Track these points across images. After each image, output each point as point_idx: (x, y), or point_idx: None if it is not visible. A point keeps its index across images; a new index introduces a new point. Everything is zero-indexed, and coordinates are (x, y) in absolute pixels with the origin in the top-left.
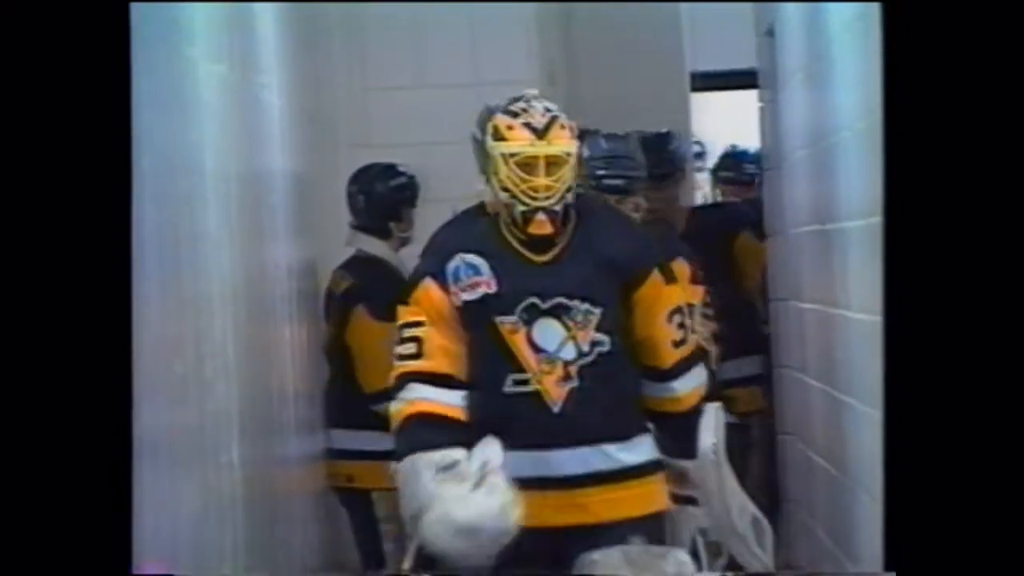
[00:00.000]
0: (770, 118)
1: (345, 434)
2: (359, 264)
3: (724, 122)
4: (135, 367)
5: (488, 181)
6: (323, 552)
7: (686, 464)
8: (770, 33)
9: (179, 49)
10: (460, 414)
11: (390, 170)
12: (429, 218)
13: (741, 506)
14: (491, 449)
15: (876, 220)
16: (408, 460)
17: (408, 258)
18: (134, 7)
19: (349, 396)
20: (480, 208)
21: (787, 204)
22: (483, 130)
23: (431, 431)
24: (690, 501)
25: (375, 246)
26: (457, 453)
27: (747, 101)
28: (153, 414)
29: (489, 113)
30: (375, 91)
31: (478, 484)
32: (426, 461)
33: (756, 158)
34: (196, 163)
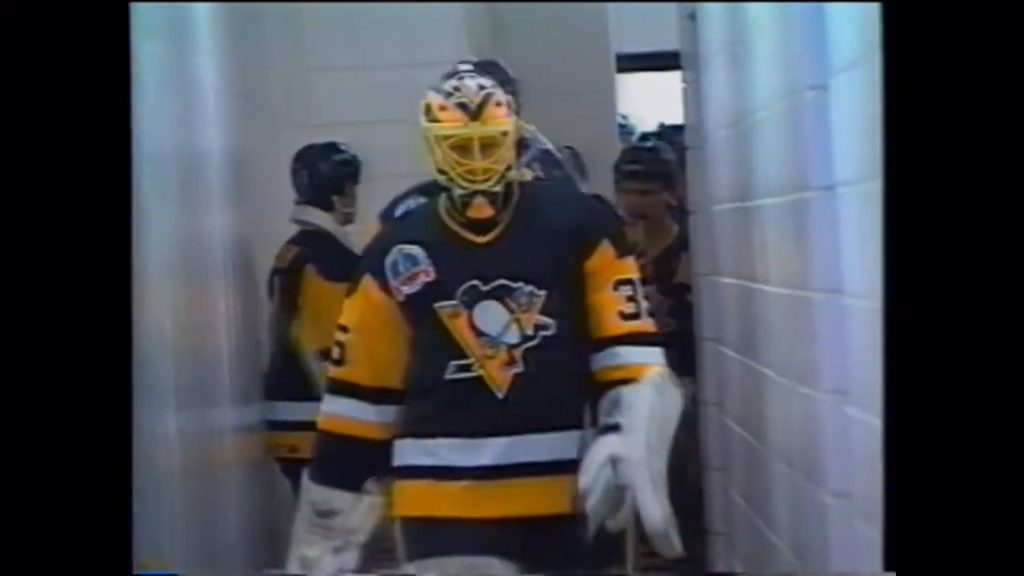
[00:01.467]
0: (693, 99)
1: (288, 405)
2: (306, 235)
3: (649, 102)
4: None
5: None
6: (259, 520)
7: (621, 390)
8: (692, 16)
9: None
10: (373, 430)
11: (332, 147)
12: (369, 195)
13: (659, 462)
14: (370, 513)
15: (794, 197)
16: (303, 481)
17: (353, 234)
18: None
19: (292, 368)
20: (433, 184)
21: (709, 182)
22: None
23: (334, 458)
24: (612, 430)
25: (321, 218)
26: (340, 500)
27: (670, 82)
28: None
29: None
30: (313, 72)
31: (339, 549)
32: (310, 497)
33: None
34: (132, 139)
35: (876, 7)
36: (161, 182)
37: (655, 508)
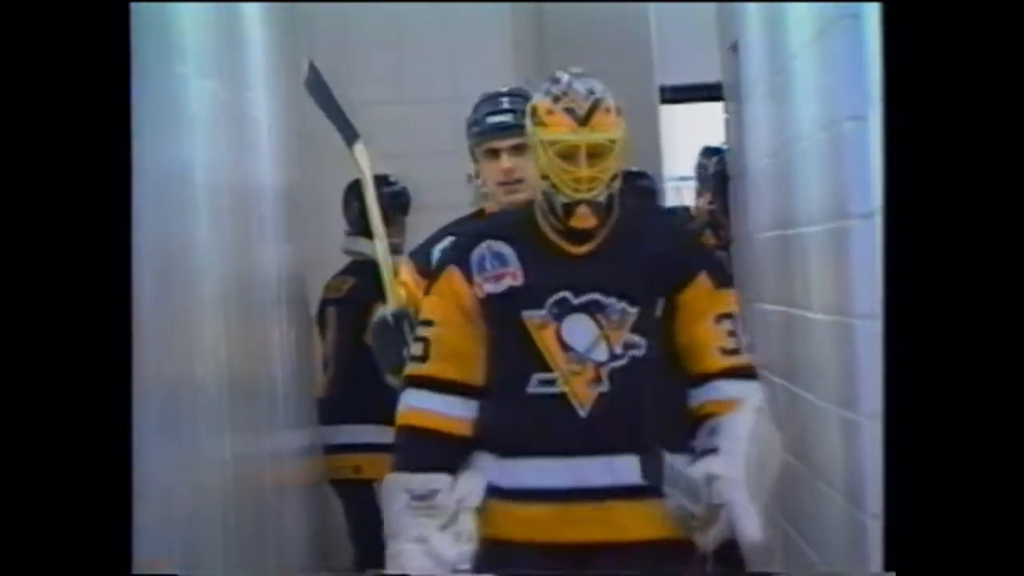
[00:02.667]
0: (735, 129)
1: (351, 428)
2: (357, 266)
3: (691, 133)
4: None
5: (477, 163)
6: (311, 544)
7: (719, 418)
8: (734, 48)
9: (171, 66)
10: (459, 427)
11: (383, 179)
12: (416, 226)
13: (758, 483)
14: (471, 483)
15: (834, 224)
16: (391, 477)
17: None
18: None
19: (357, 392)
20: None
21: (751, 210)
22: (523, 113)
23: (421, 447)
24: (712, 452)
25: (371, 248)
26: (438, 481)
27: (713, 113)
28: (147, 414)
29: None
30: (359, 105)
31: (448, 523)
32: (404, 484)
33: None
34: (188, 175)
35: None
36: (217, 216)
37: (752, 525)
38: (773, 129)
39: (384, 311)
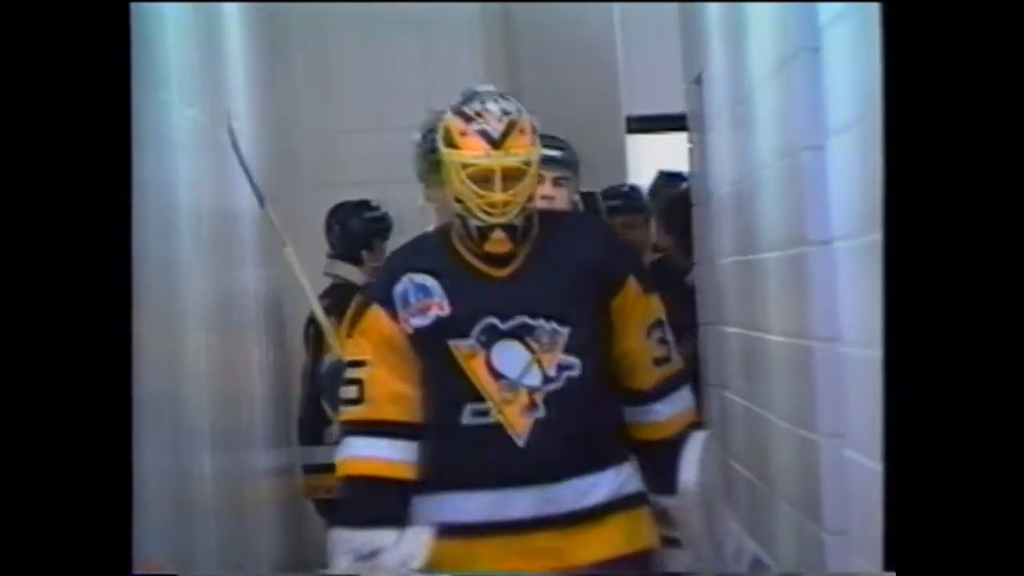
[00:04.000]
0: (698, 158)
1: (323, 449)
2: (336, 289)
3: (657, 162)
4: None
5: (429, 186)
6: (289, 556)
7: (667, 501)
8: (698, 80)
9: (155, 94)
10: (402, 471)
11: (365, 205)
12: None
13: (738, 548)
14: (417, 542)
15: (793, 251)
16: (335, 534)
17: None
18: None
19: (324, 414)
20: (441, 231)
21: (713, 236)
22: (431, 132)
23: (365, 498)
24: (674, 543)
25: (350, 272)
26: (381, 539)
27: (678, 143)
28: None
29: (439, 114)
30: (339, 133)
31: None
32: (347, 543)
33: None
34: (171, 198)
35: (873, 75)
36: (198, 239)
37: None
38: (735, 158)
39: (338, 357)
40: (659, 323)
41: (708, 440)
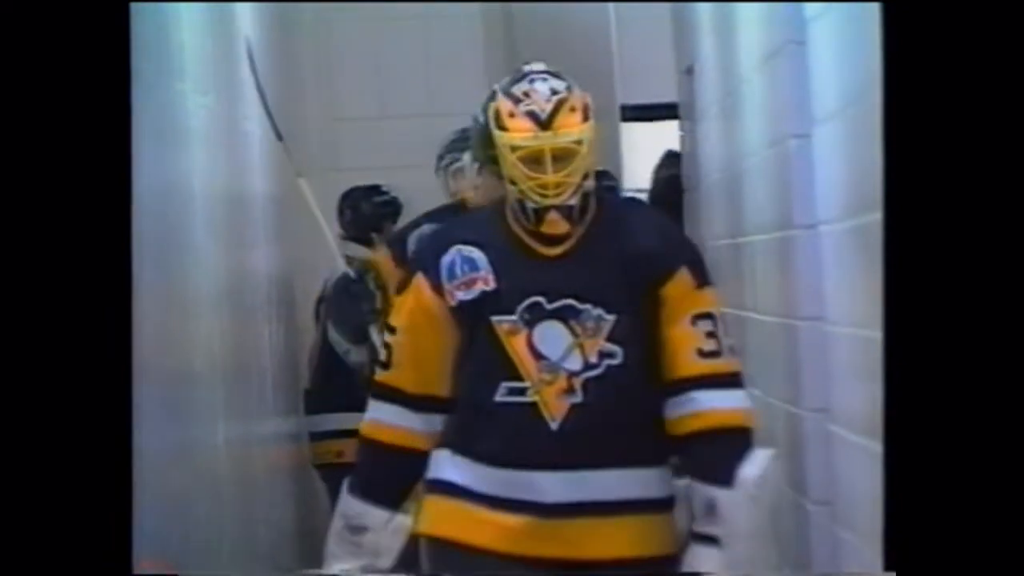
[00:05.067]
0: (689, 146)
1: (336, 416)
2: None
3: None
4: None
5: (484, 166)
6: (297, 520)
7: (717, 493)
8: (689, 71)
9: (171, 84)
10: (417, 441)
11: (375, 189)
12: None
13: (767, 560)
14: (396, 536)
15: (780, 234)
16: (345, 487)
17: None
18: (133, 49)
19: (342, 382)
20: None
21: (704, 220)
22: (485, 112)
23: (378, 462)
24: (711, 541)
25: (361, 253)
26: (373, 518)
27: (670, 131)
28: (148, 403)
29: (493, 94)
30: (343, 121)
31: (367, 567)
32: (344, 507)
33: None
34: (186, 184)
35: (856, 66)
36: (211, 222)
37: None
38: (724, 146)
39: (346, 269)
40: (708, 316)
41: (774, 458)
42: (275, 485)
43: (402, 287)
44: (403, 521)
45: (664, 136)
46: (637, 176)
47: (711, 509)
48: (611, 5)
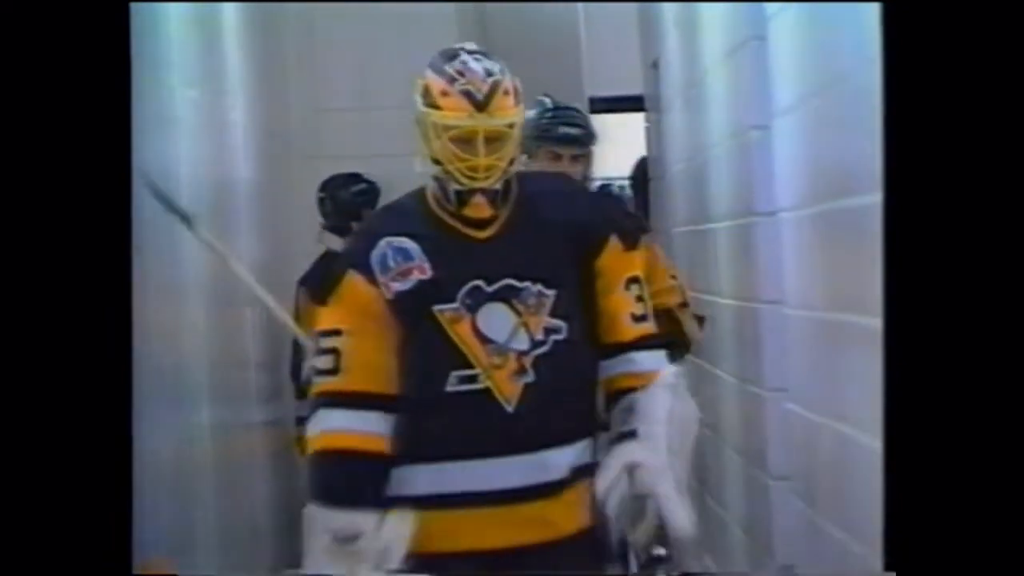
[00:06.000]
0: (655, 136)
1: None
2: (329, 257)
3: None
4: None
5: (533, 158)
6: (277, 495)
7: (635, 396)
8: (655, 65)
9: (159, 76)
10: (379, 444)
11: (353, 178)
12: None
13: (681, 467)
14: (400, 528)
15: (742, 221)
16: (312, 511)
17: None
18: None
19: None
20: (416, 194)
21: (668, 207)
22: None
23: (341, 473)
24: (628, 436)
25: (336, 243)
26: (363, 522)
27: (636, 122)
28: (138, 385)
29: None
30: (325, 111)
31: (373, 569)
32: (327, 523)
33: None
34: (173, 173)
35: (814, 61)
36: (197, 210)
37: (682, 515)
38: (688, 136)
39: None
40: (636, 279)
41: (677, 377)
42: (257, 464)
43: (328, 291)
44: (402, 513)
45: (630, 127)
46: (606, 165)
47: (629, 410)
48: (579, 2)
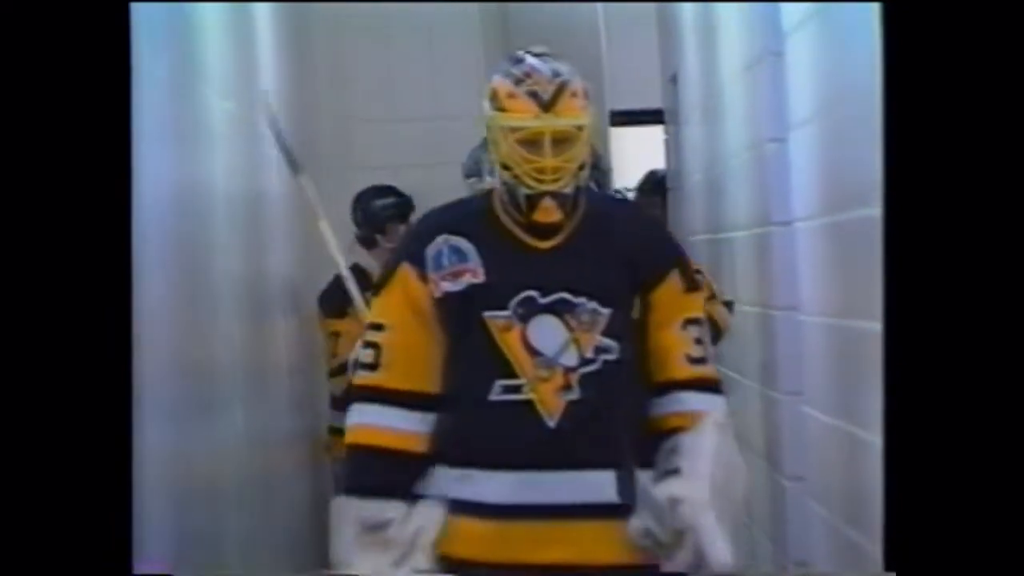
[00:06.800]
0: (674, 149)
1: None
2: (353, 271)
3: (637, 152)
4: (141, 351)
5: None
6: (311, 502)
7: (681, 436)
8: (674, 79)
9: (195, 89)
10: (415, 443)
11: (384, 190)
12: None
13: (725, 505)
14: (430, 514)
15: (758, 231)
16: (342, 501)
17: None
18: (160, 56)
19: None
20: (484, 197)
21: (686, 217)
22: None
23: (374, 468)
24: (672, 473)
25: (362, 256)
26: (392, 509)
27: (655, 135)
28: (173, 390)
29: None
30: (355, 121)
31: (402, 559)
32: (355, 512)
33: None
34: (209, 184)
35: (829, 75)
36: (231, 222)
37: (721, 548)
38: (706, 148)
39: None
40: (696, 321)
41: (725, 419)
42: (293, 477)
43: (382, 283)
44: (431, 510)
45: (650, 140)
46: (625, 177)
47: (675, 449)
48: (601, 18)
